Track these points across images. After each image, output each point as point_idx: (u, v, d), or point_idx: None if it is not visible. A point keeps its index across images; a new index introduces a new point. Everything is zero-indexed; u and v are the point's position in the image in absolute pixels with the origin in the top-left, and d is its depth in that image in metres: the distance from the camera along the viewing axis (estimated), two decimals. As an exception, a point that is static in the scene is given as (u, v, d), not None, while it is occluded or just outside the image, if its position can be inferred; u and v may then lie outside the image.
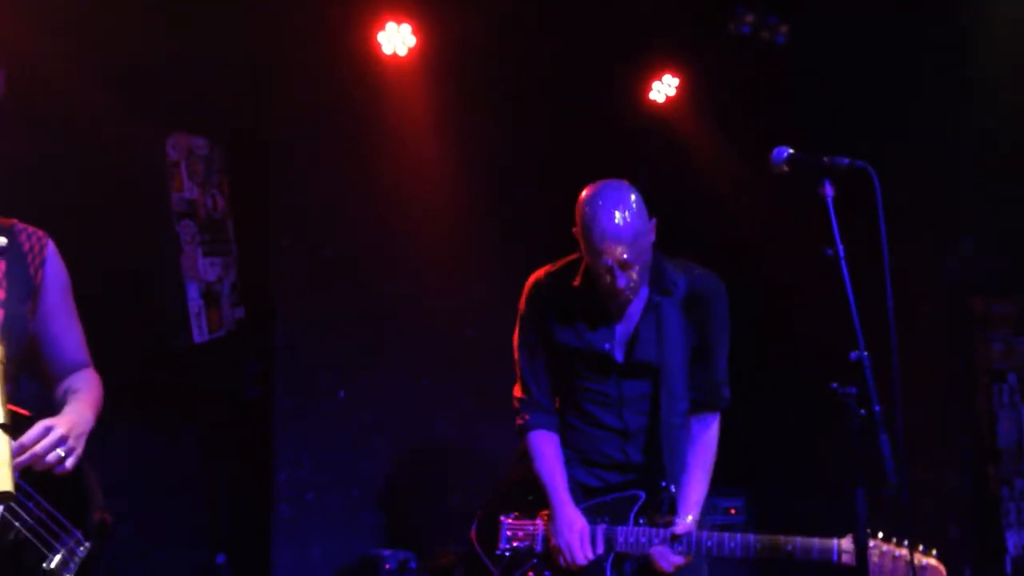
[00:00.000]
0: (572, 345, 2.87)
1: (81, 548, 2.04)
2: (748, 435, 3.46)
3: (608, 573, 2.79)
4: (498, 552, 2.86)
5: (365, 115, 4.63)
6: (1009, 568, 4.90)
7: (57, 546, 2.00)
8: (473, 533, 2.94)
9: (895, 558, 2.65)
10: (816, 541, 2.68)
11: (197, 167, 4.40)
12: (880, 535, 2.66)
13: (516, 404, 2.97)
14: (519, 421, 2.95)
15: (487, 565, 2.87)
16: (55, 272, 2.21)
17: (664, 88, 5.36)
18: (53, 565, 1.98)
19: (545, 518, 2.86)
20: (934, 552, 2.69)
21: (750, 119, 5.10)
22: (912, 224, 5.04)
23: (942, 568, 2.67)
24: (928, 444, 4.92)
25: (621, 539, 2.78)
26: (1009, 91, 4.80)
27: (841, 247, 2.45)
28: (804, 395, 3.62)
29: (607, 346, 2.85)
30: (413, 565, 4.05)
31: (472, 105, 4.86)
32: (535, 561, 2.84)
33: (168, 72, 4.07)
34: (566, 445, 2.92)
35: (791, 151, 2.64)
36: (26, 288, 2.13)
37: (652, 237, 2.81)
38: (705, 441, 2.94)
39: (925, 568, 2.65)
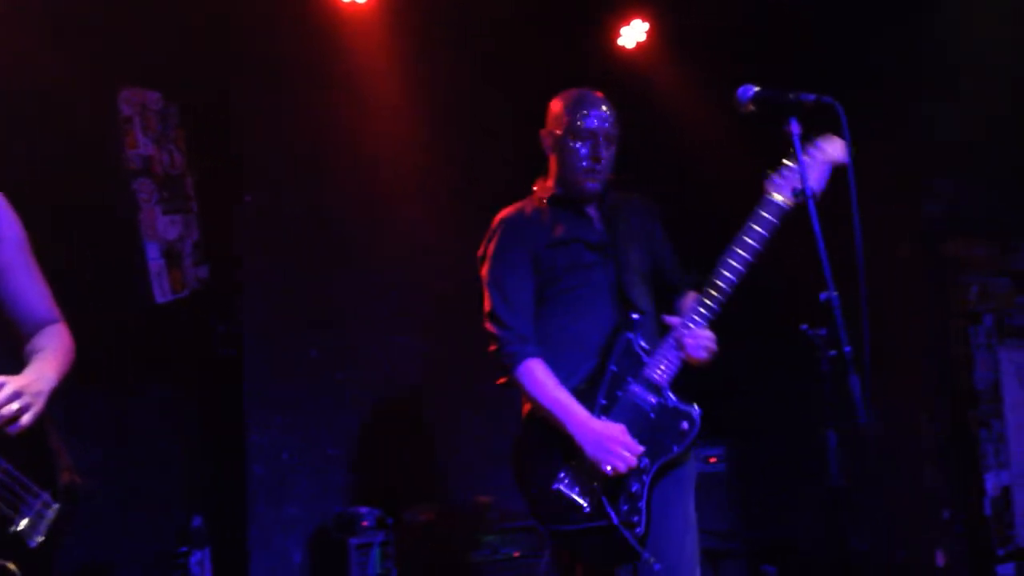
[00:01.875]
0: (562, 239, 2.82)
1: (50, 510, 2.00)
2: (723, 381, 3.41)
3: (682, 405, 2.64)
4: (589, 510, 2.57)
5: (326, 65, 4.52)
6: (988, 509, 4.93)
7: (24, 509, 1.96)
8: (548, 526, 2.60)
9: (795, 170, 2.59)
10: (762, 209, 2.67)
11: (152, 122, 4.27)
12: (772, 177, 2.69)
13: (496, 340, 2.73)
14: (502, 355, 2.71)
15: (598, 525, 2.56)
16: (6, 225, 2.11)
17: (633, 33, 5.24)
18: (20, 528, 1.94)
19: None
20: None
21: (721, 63, 5.00)
22: (889, 166, 5.00)
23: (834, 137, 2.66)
24: (905, 387, 4.92)
25: (656, 375, 2.63)
26: (985, 31, 4.73)
27: (809, 186, 2.41)
28: (777, 338, 3.54)
29: (595, 234, 2.86)
30: (390, 521, 4.01)
31: (436, 53, 4.74)
32: (605, 486, 2.61)
33: (118, 24, 3.93)
34: (557, 366, 2.71)
35: (757, 89, 2.58)
36: None
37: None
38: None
39: (832, 144, 2.66)
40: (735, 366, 3.39)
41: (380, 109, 4.65)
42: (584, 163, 2.84)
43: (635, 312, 2.76)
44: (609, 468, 2.55)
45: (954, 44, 4.76)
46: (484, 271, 2.85)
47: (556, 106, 2.95)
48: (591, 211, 2.91)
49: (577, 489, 2.59)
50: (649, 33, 5.24)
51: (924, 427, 5.01)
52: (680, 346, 2.65)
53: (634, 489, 2.58)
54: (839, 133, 2.35)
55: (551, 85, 4.95)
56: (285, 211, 4.49)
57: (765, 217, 2.65)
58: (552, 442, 2.63)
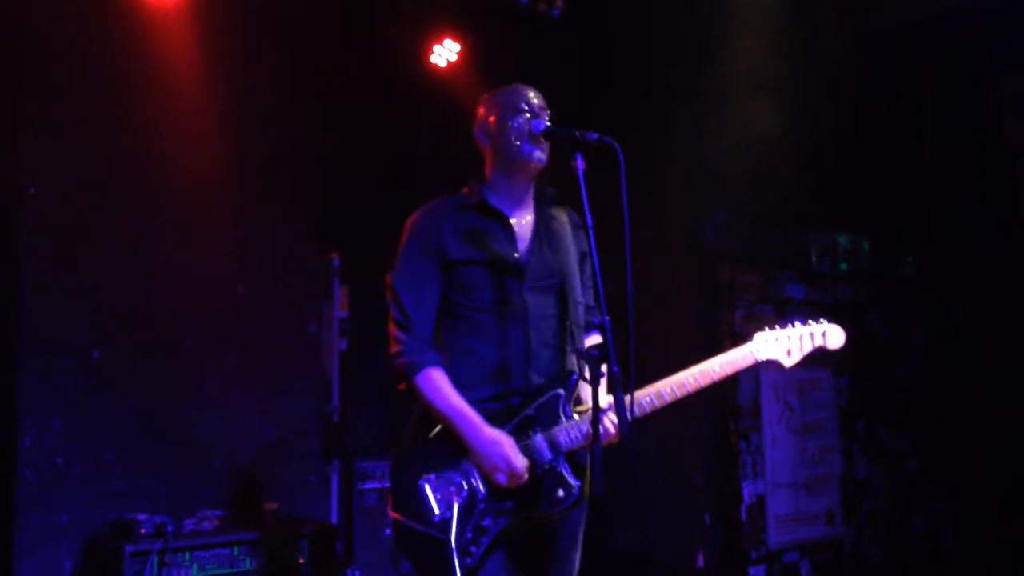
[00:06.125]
0: (476, 258, 2.74)
1: None
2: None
3: (569, 476, 2.64)
4: (438, 519, 2.58)
5: (128, 61, 4.37)
6: (744, 515, 5.40)
7: None
8: (396, 514, 2.65)
9: (787, 338, 2.80)
10: (737, 353, 2.79)
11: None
12: (766, 329, 2.83)
13: (397, 347, 2.73)
14: (403, 363, 2.71)
15: (436, 536, 2.57)
16: None
17: (445, 53, 5.38)
18: None
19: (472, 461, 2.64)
20: (822, 320, 2.85)
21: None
22: (674, 200, 5.40)
23: (838, 327, 2.84)
24: (678, 400, 5.29)
25: (563, 438, 2.65)
26: (760, 82, 5.22)
27: (589, 217, 2.58)
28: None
29: (515, 255, 2.77)
30: (170, 528, 3.92)
31: (245, 57, 4.69)
32: (483, 506, 2.62)
33: None
34: (460, 385, 2.70)
35: (547, 124, 2.76)
36: None
37: None
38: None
39: (825, 332, 2.83)
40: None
41: (184, 109, 4.53)
42: (528, 127, 2.75)
43: (575, 370, 2.75)
44: (502, 479, 2.59)
45: (737, 91, 5.22)
46: (388, 276, 2.81)
47: (486, 101, 2.91)
48: (518, 224, 2.82)
49: (438, 495, 2.61)
50: (460, 54, 5.40)
51: (694, 438, 5.43)
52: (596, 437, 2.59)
53: (485, 523, 2.61)
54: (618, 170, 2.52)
55: (360, 95, 5.07)
56: (72, 206, 4.28)
57: (735, 363, 2.78)
58: (439, 444, 2.66)
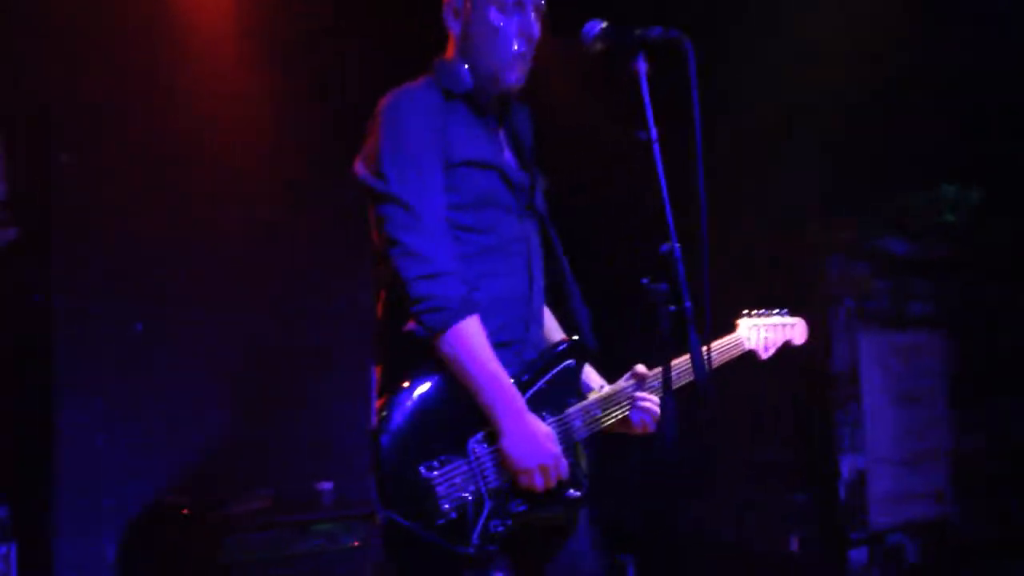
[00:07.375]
0: (488, 160, 2.15)
1: None
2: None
3: (579, 471, 2.18)
4: (445, 522, 1.99)
5: (155, 20, 4.14)
6: (843, 493, 4.92)
7: None
8: (385, 513, 1.99)
9: (768, 328, 2.59)
10: (726, 341, 2.52)
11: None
12: (745, 312, 2.61)
13: (415, 289, 2.02)
14: (436, 310, 2.01)
15: (445, 546, 1.99)
16: None
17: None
18: None
19: (483, 444, 2.06)
20: (785, 311, 2.69)
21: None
22: (756, 151, 4.94)
23: (802, 320, 2.68)
24: (761, 366, 4.85)
25: (578, 425, 2.17)
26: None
27: (655, 130, 2.19)
28: (615, 293, 3.28)
29: (514, 169, 2.23)
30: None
31: (278, 15, 4.42)
32: (491, 504, 2.05)
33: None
34: None
35: (604, 24, 2.35)
36: None
37: None
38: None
39: (794, 325, 2.65)
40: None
41: (221, 71, 4.28)
42: (514, 46, 2.22)
43: (569, 336, 2.27)
44: (533, 475, 2.04)
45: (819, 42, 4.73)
46: (369, 170, 2.13)
47: None
48: (500, 131, 2.29)
49: (444, 488, 2.01)
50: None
51: (779, 409, 4.96)
52: (643, 402, 2.23)
53: (494, 527, 2.04)
54: (686, 70, 2.12)
55: (397, 50, 4.73)
56: (107, 172, 4.06)
57: (724, 353, 2.49)
58: (444, 420, 2.05)
